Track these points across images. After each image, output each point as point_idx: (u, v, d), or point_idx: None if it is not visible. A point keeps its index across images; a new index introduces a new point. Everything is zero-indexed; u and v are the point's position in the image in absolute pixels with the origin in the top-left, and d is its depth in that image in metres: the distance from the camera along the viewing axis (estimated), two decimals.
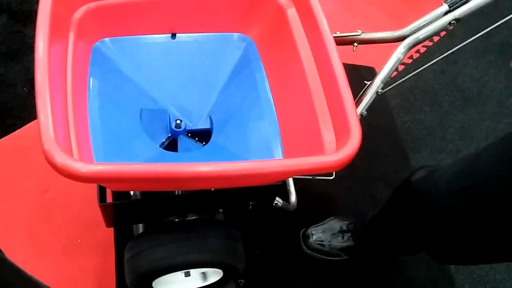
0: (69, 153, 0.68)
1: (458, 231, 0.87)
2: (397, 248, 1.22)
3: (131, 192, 0.91)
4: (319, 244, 1.29)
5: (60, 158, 0.57)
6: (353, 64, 1.69)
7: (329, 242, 1.29)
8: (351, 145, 0.69)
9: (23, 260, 1.17)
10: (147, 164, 0.62)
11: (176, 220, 0.99)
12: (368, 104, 0.93)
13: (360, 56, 1.53)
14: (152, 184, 0.72)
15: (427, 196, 0.90)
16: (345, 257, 1.30)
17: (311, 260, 1.31)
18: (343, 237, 1.29)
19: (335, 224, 1.32)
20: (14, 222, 1.23)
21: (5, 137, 1.35)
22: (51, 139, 0.58)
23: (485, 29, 0.94)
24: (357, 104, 0.94)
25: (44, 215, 1.25)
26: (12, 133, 1.36)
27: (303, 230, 1.34)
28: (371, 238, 1.23)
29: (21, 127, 1.37)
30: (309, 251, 1.30)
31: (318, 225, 1.33)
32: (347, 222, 1.32)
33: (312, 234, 1.30)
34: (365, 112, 0.93)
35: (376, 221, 1.18)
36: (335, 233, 1.30)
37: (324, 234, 1.30)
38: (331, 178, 1.15)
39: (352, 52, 1.02)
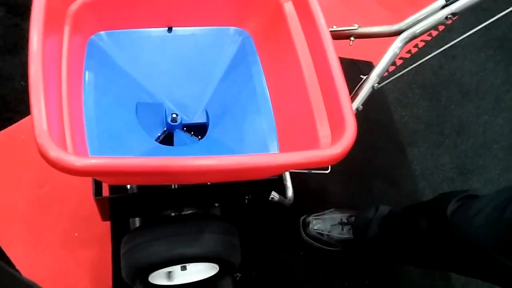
0: (63, 146, 0.68)
1: (487, 259, 0.86)
2: (409, 261, 1.21)
3: (128, 186, 0.91)
4: (318, 233, 1.30)
5: (54, 152, 0.57)
6: (351, 59, 1.69)
7: (328, 232, 1.29)
8: (346, 139, 0.69)
9: (20, 253, 1.18)
10: (141, 157, 0.62)
11: (173, 214, 1.00)
12: (364, 98, 0.93)
13: (359, 51, 1.53)
14: (146, 178, 0.72)
15: (465, 233, 0.88)
16: (341, 248, 1.31)
17: (307, 254, 1.31)
18: (342, 229, 1.30)
19: (335, 215, 1.33)
20: (11, 216, 1.23)
21: (2, 131, 1.35)
22: (45, 132, 0.58)
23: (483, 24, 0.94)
24: (353, 98, 0.94)
25: (41, 209, 1.25)
26: (9, 127, 1.36)
27: (303, 217, 1.34)
28: (378, 245, 1.22)
29: (18, 120, 1.37)
30: (307, 239, 1.31)
31: (319, 214, 1.33)
32: (347, 215, 1.32)
33: (312, 222, 1.31)
34: (361, 106, 0.94)
35: (391, 234, 1.17)
36: (334, 224, 1.31)
37: (324, 223, 1.31)
38: (327, 172, 1.15)
39: (350, 46, 1.02)
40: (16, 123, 1.36)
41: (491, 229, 0.83)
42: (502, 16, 0.91)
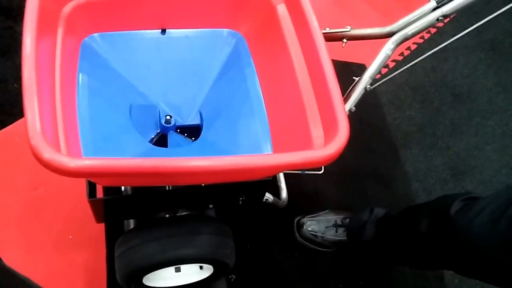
0: (57, 148, 0.68)
1: (489, 258, 0.86)
2: (409, 263, 1.20)
3: (122, 188, 0.91)
4: (312, 234, 1.30)
5: (47, 153, 0.57)
6: (344, 61, 1.70)
7: (322, 234, 1.30)
8: (339, 140, 0.69)
9: (14, 256, 1.17)
10: (135, 158, 0.62)
11: (167, 215, 1.00)
12: (357, 100, 0.94)
13: (352, 53, 1.54)
14: (140, 179, 0.72)
15: (468, 231, 0.88)
16: (335, 249, 1.31)
17: (301, 255, 1.32)
18: (336, 231, 1.30)
19: (330, 217, 1.33)
20: (5, 218, 1.22)
21: None
22: (38, 134, 0.58)
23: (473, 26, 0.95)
24: (346, 100, 0.95)
25: (35, 211, 1.24)
26: (3, 129, 1.35)
27: (298, 218, 1.35)
28: (374, 248, 1.22)
29: (11, 123, 1.36)
30: (301, 240, 1.31)
31: (314, 216, 1.34)
32: (342, 217, 1.33)
33: (306, 224, 1.31)
34: (354, 108, 0.94)
35: (388, 236, 1.17)
36: (329, 226, 1.31)
37: (318, 225, 1.31)
38: (320, 172, 1.16)
39: (343, 49, 1.03)
40: (10, 126, 1.36)
41: (494, 226, 0.83)
42: (493, 19, 0.92)
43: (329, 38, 1.00)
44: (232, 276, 1.24)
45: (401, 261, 1.22)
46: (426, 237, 1.00)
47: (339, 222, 1.31)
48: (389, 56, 0.94)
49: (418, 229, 1.01)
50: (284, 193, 1.23)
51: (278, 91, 0.92)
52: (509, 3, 0.90)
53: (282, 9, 0.92)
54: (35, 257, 1.18)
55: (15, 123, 1.36)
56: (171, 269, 1.00)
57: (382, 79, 1.02)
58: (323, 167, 1.16)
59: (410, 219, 1.08)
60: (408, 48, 1.86)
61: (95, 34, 0.92)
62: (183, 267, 1.02)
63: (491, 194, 0.92)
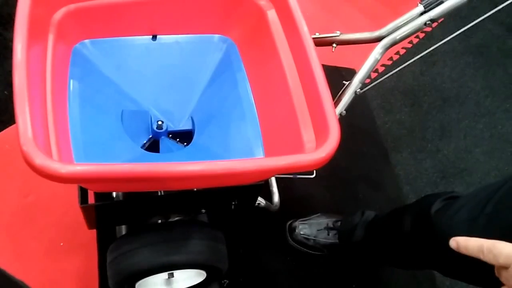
0: (49, 154, 0.68)
1: (468, 259, 0.86)
2: (397, 264, 1.21)
3: (113, 193, 0.91)
4: (304, 237, 1.30)
5: (39, 159, 0.57)
6: (334, 66, 1.71)
7: (314, 237, 1.30)
8: (330, 143, 0.70)
9: (5, 264, 1.15)
10: (127, 164, 0.62)
11: (159, 221, 1.00)
12: (347, 103, 0.95)
13: (341, 58, 1.55)
14: (132, 184, 0.72)
15: (447, 230, 0.88)
16: (327, 253, 1.32)
17: (294, 259, 1.32)
18: (328, 234, 1.31)
19: (322, 220, 1.34)
20: None
21: None
22: (30, 140, 0.58)
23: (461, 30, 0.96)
24: (336, 104, 0.96)
25: (26, 219, 1.23)
26: None
27: (289, 222, 1.35)
28: (363, 249, 1.23)
29: (1, 130, 1.35)
30: (293, 243, 1.32)
31: (305, 219, 1.34)
32: (333, 220, 1.33)
33: (298, 227, 1.31)
34: (344, 111, 0.95)
35: (376, 237, 1.18)
36: (321, 229, 1.32)
37: (310, 228, 1.32)
38: (312, 176, 1.16)
39: (333, 53, 1.04)
40: (0, 133, 1.35)
41: (472, 225, 0.83)
42: (480, 24, 0.93)
43: (319, 43, 1.00)
44: (225, 281, 1.24)
45: (389, 262, 1.23)
46: (409, 237, 1.01)
47: (330, 225, 1.32)
48: (378, 60, 0.95)
49: (402, 229, 1.03)
50: (276, 197, 1.24)
51: (269, 95, 0.92)
52: (495, 8, 0.91)
53: (272, 15, 0.93)
54: (26, 264, 1.17)
55: (5, 130, 1.36)
56: (164, 275, 1.00)
57: (372, 83, 1.03)
58: (314, 171, 1.17)
59: (395, 219, 1.10)
60: (397, 53, 1.88)
61: (86, 41, 0.92)
62: (176, 272, 1.02)
63: (470, 192, 0.92)
